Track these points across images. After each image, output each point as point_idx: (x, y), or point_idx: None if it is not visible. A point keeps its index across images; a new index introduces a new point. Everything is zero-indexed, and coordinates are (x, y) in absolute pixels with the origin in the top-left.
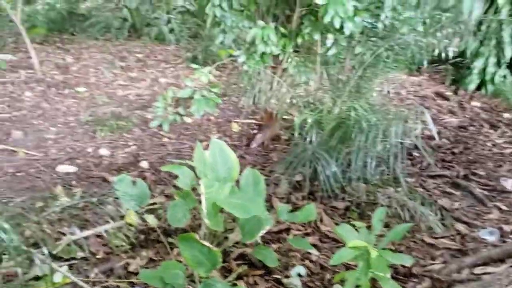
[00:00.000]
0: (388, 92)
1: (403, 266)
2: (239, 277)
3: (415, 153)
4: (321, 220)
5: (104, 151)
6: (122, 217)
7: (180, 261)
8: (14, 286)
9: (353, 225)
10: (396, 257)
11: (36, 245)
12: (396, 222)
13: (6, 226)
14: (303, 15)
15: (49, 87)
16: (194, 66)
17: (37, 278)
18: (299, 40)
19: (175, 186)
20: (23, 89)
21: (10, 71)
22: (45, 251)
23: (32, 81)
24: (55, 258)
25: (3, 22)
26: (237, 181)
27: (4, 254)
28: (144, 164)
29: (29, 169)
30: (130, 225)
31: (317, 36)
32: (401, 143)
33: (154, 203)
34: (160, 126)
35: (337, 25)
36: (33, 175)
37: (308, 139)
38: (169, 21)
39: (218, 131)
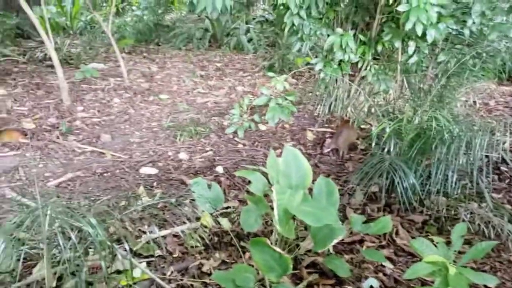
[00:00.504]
0: (474, 102)
1: (486, 287)
2: (310, 285)
3: (503, 168)
4: (397, 233)
5: (183, 155)
6: (198, 218)
7: (252, 265)
8: (98, 277)
9: (431, 240)
10: (478, 276)
11: (118, 241)
12: (479, 240)
13: (93, 221)
14: (383, 22)
15: (135, 94)
16: (270, 74)
17: (118, 272)
18: (379, 48)
19: (248, 192)
20: (112, 96)
21: (101, 79)
22: (127, 247)
23: (120, 88)
24: (135, 254)
25: (96, 33)
26: (310, 189)
27: (90, 248)
28: (219, 169)
29: (115, 170)
30: (205, 227)
31: (398, 44)
32: (487, 156)
33: (228, 207)
34: (235, 132)
35: (419, 32)
36: (118, 176)
37: (385, 149)
38: (248, 31)
39: (293, 139)
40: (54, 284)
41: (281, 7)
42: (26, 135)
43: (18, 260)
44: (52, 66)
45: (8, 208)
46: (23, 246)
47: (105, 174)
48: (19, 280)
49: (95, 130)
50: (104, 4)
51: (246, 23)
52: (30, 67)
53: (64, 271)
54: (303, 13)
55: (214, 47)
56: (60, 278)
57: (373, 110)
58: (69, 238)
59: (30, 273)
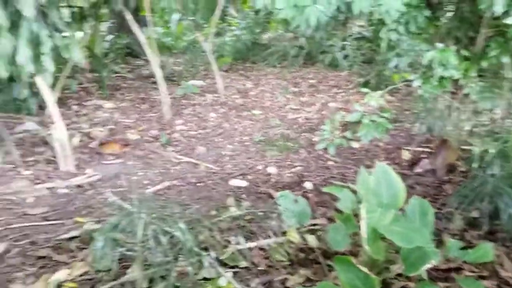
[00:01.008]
0: None
1: None
2: None
3: None
4: (501, 264)
5: (272, 169)
6: (284, 233)
7: (337, 285)
8: (185, 283)
9: None
10: None
11: (206, 249)
12: None
13: (184, 228)
14: (489, 36)
15: (230, 109)
16: (364, 90)
17: (205, 279)
18: (484, 64)
19: (336, 210)
20: (209, 110)
21: (199, 95)
22: (214, 256)
23: (217, 104)
24: (222, 263)
25: (197, 52)
26: (402, 210)
27: (180, 254)
28: (308, 185)
29: (207, 181)
30: (291, 242)
31: (506, 59)
32: None
33: (315, 224)
34: (326, 149)
35: None
36: (210, 186)
37: (489, 172)
38: (343, 48)
39: (387, 158)
40: (145, 286)
41: (378, 23)
42: (126, 145)
43: (114, 260)
44: (156, 83)
45: (109, 211)
46: (119, 247)
47: (198, 184)
48: (114, 280)
49: (191, 142)
50: (206, 25)
51: (342, 40)
52: (136, 83)
53: (155, 274)
54: (401, 28)
55: (308, 64)
56: (151, 280)
57: (476, 129)
58: (161, 243)
59: (125, 274)
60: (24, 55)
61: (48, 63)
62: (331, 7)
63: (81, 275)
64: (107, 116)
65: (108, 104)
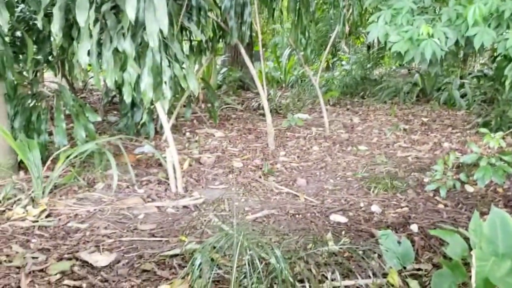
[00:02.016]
0: None
1: None
2: None
3: None
4: None
5: (375, 208)
6: (384, 275)
7: None
8: None
9: None
10: None
11: (301, 281)
12: None
13: (279, 256)
14: None
15: (334, 144)
16: (483, 131)
17: None
18: None
19: (444, 256)
20: (312, 144)
21: (304, 128)
22: None
23: (321, 137)
24: None
25: (305, 86)
26: None
27: (274, 283)
28: (414, 227)
29: (306, 213)
30: (391, 285)
31: None
32: None
33: (419, 269)
34: (436, 190)
35: None
36: (309, 219)
37: None
38: (461, 86)
39: (506, 205)
40: None
41: (502, 59)
42: (231, 172)
43: (211, 280)
44: (263, 115)
45: (211, 232)
46: (217, 268)
47: (296, 216)
48: None
49: (292, 174)
50: (316, 60)
51: (461, 78)
52: (245, 115)
53: None
54: None
55: (421, 101)
56: None
57: None
58: (257, 269)
59: None
60: (147, 82)
61: (167, 91)
62: (449, 42)
63: None
64: (216, 144)
65: (218, 133)
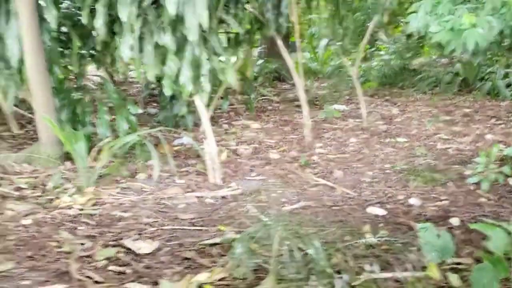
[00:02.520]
0: None
1: None
2: None
3: None
4: None
5: (414, 201)
6: (423, 268)
7: None
8: None
9: None
10: None
11: (339, 272)
12: None
13: (318, 247)
14: None
15: (372, 136)
16: None
17: None
18: None
19: (485, 250)
20: (349, 135)
21: (341, 119)
22: (346, 280)
23: (358, 129)
24: None
25: (343, 77)
26: None
27: (312, 273)
28: (454, 221)
29: (343, 205)
30: (430, 278)
31: None
32: None
33: (459, 263)
34: (478, 184)
35: None
36: (346, 211)
37: None
38: (506, 76)
39: None
40: None
41: None
42: (268, 164)
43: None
44: (299, 106)
45: (249, 222)
46: (256, 258)
47: (333, 207)
48: None
49: (329, 166)
50: (354, 50)
51: (506, 67)
52: (282, 106)
53: None
54: None
55: (463, 92)
56: None
57: None
58: (295, 259)
59: (258, 284)
60: (186, 76)
61: (206, 84)
62: (493, 31)
63: (219, 280)
64: (253, 135)
65: (254, 125)
